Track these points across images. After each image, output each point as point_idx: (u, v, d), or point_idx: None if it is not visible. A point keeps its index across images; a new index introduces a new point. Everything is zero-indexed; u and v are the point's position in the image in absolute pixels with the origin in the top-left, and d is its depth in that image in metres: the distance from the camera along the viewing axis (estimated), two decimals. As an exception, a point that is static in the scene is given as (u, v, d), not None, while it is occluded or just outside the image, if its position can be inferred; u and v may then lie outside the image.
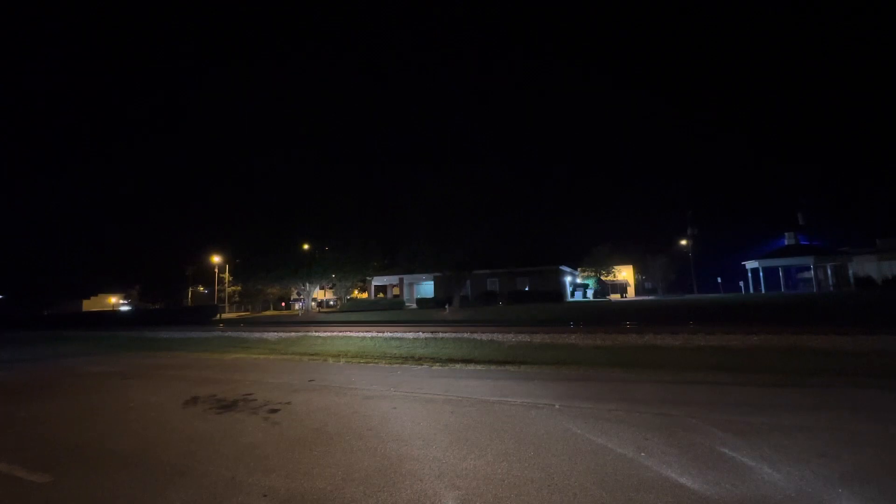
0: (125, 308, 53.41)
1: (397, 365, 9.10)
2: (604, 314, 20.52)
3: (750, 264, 40.41)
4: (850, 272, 37.19)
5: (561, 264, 38.45)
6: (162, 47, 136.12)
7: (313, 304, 45.29)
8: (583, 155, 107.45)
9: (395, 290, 45.88)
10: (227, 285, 53.43)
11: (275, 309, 55.76)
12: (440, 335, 12.80)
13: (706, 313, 18.30)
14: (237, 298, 58.05)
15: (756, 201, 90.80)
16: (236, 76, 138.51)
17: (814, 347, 8.64)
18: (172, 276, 51.79)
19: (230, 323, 29.03)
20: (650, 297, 41.83)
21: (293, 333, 15.87)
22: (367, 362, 9.61)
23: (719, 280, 48.09)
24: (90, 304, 57.99)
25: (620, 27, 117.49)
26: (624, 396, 5.82)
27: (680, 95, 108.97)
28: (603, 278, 44.85)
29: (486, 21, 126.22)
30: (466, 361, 9.03)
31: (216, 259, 47.84)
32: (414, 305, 39.25)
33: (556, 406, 5.41)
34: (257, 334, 16.37)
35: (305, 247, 36.03)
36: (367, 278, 44.43)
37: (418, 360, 9.56)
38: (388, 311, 34.44)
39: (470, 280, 36.11)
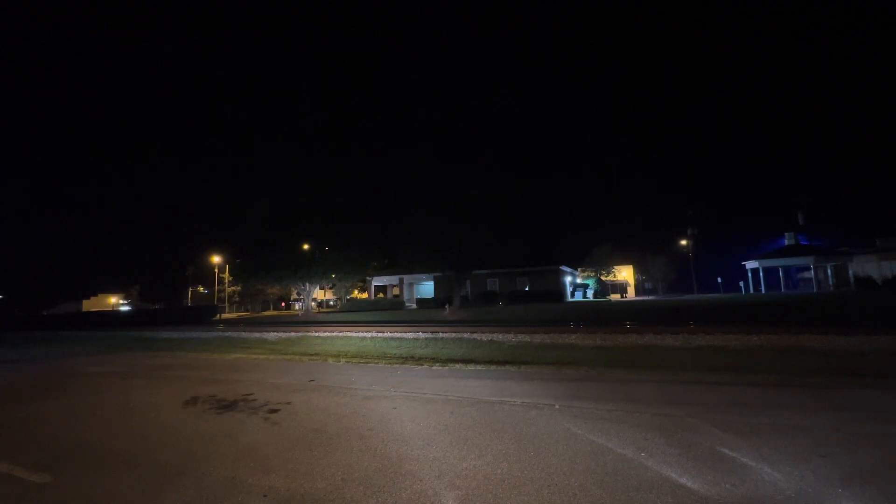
0: (125, 308, 53.28)
1: (397, 365, 9.09)
2: (604, 314, 20.52)
3: (750, 264, 40.39)
4: (850, 272, 37.15)
5: (561, 264, 38.43)
6: (162, 45, 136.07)
7: (313, 304, 45.23)
8: (583, 155, 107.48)
9: (395, 290, 45.85)
10: (227, 285, 53.42)
11: (275, 309, 55.74)
12: (440, 335, 12.79)
13: (706, 313, 18.29)
14: (237, 298, 58.02)
15: (756, 201, 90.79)
16: (236, 75, 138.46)
17: (814, 347, 8.64)
18: (172, 276, 51.65)
19: (230, 323, 29.01)
20: (650, 297, 41.81)
21: (293, 333, 15.87)
22: (367, 362, 9.61)
23: (719, 280, 48.14)
24: (90, 305, 57.92)
25: (620, 27, 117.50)
26: (624, 396, 5.81)
27: (680, 96, 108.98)
28: (603, 278, 44.84)
29: (488, 22, 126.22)
30: (466, 361, 9.03)
31: (216, 259, 47.82)
32: (414, 305, 39.22)
33: (557, 406, 5.41)
34: (257, 334, 16.37)
35: (305, 247, 35.97)
36: (367, 278, 44.40)
37: (418, 360, 9.56)
38: (388, 311, 34.42)
39: (470, 280, 36.06)
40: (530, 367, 8.16)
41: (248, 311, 55.83)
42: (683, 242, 48.24)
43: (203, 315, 40.52)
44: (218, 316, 42.51)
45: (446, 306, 29.79)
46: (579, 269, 44.74)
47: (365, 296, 47.91)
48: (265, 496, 3.32)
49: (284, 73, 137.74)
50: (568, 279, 41.89)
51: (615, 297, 44.51)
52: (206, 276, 52.62)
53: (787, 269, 41.61)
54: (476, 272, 34.90)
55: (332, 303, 53.08)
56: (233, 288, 55.40)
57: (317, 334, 15.32)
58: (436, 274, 36.17)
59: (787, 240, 41.11)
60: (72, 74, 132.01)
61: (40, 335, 23.14)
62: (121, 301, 60.02)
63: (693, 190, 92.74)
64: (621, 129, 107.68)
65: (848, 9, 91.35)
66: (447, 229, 27.92)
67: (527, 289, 37.13)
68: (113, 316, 41.61)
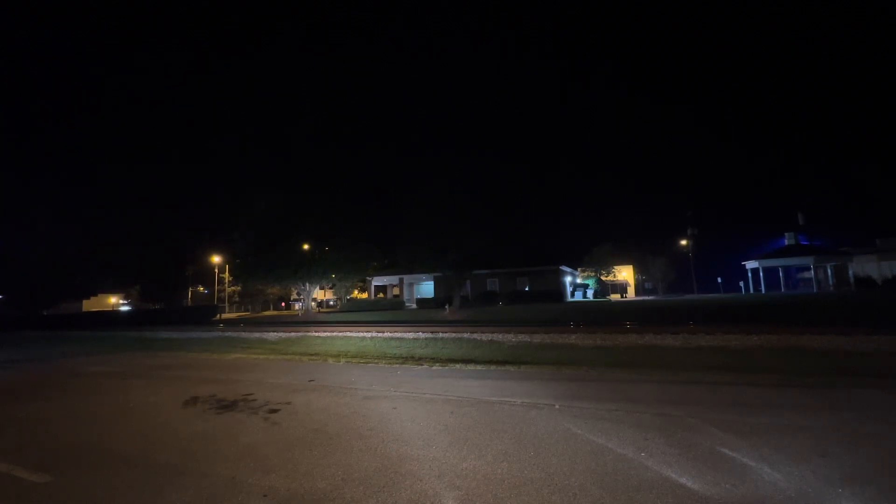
0: (125, 308, 53.21)
1: (397, 365, 9.09)
2: (604, 314, 20.52)
3: (750, 264, 40.38)
4: (850, 272, 37.14)
5: (561, 264, 38.43)
6: (162, 45, 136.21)
7: (313, 304, 45.24)
8: (583, 155, 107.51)
9: (395, 290, 45.84)
10: (227, 285, 53.39)
11: (275, 309, 55.75)
12: (440, 335, 12.80)
13: (706, 313, 18.29)
14: (237, 298, 58.03)
15: (756, 201, 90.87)
16: (236, 75, 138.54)
17: (814, 347, 8.64)
18: (172, 276, 51.65)
19: (230, 323, 29.02)
20: (650, 297, 41.80)
21: (293, 333, 15.88)
22: (367, 362, 9.61)
23: (719, 280, 48.14)
24: (90, 305, 57.83)
25: (620, 27, 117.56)
26: (624, 396, 5.81)
27: (681, 96, 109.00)
28: (603, 278, 44.86)
29: (487, 21, 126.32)
30: (466, 361, 9.03)
31: (216, 259, 47.81)
32: (414, 305, 39.22)
33: (557, 406, 5.41)
34: (257, 334, 16.37)
35: (305, 247, 35.98)
36: (367, 278, 44.41)
37: (418, 360, 9.56)
38: (388, 311, 34.41)
39: (470, 280, 36.06)
40: (530, 367, 8.16)
41: (248, 311, 55.83)
42: (683, 242, 48.27)
43: (203, 315, 40.50)
44: (218, 316, 42.50)
45: (446, 306, 29.80)
46: (579, 269, 44.75)
47: (365, 296, 47.90)
48: (265, 496, 3.32)
49: (284, 73, 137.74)
50: (568, 279, 41.89)
51: (615, 297, 44.51)
52: (206, 276, 52.60)
53: (787, 269, 41.60)
54: (476, 272, 34.96)
55: (332, 303, 53.10)
56: (233, 288, 55.39)
57: (317, 334, 15.33)
58: (436, 274, 36.19)
59: (787, 240, 41.09)
60: (72, 74, 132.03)
61: (40, 335, 23.14)
62: (121, 301, 59.98)
63: (693, 190, 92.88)
64: (621, 129, 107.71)
65: (848, 9, 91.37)
66: (447, 230, 27.97)
67: (527, 289, 37.13)
68: (113, 316, 41.59)
